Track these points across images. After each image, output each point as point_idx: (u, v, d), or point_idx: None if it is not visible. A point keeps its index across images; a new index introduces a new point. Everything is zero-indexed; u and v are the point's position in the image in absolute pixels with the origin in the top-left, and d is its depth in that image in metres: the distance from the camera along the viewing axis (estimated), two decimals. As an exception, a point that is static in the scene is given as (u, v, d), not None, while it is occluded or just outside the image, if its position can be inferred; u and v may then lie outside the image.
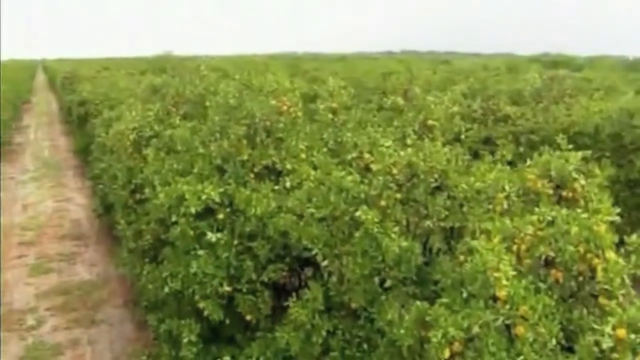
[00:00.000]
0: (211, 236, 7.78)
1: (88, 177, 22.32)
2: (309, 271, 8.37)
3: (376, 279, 7.03)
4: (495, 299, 4.88)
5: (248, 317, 7.97)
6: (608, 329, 4.66)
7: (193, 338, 7.87)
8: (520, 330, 4.81)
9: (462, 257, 6.39)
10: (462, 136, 10.02)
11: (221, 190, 8.29)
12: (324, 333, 7.00)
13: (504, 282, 4.83)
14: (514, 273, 4.92)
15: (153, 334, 10.88)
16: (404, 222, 7.53)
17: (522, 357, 4.44)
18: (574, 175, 6.97)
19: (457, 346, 4.87)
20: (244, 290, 7.87)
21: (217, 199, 8.14)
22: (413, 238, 7.22)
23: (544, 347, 4.65)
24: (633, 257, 5.45)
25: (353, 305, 7.37)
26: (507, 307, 4.74)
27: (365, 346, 6.96)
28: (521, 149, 13.65)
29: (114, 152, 13.96)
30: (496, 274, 4.86)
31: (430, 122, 9.90)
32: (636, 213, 13.18)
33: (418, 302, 5.93)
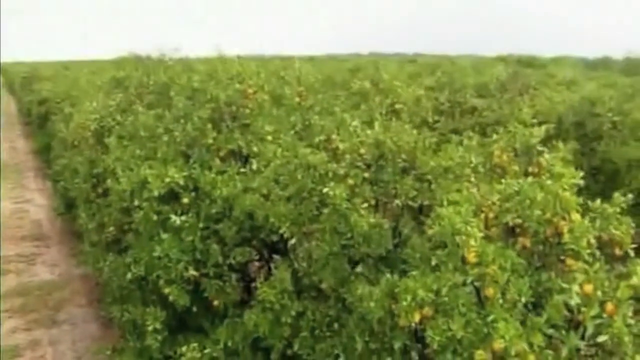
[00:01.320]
0: (175, 219, 7.54)
1: (49, 177, 21.61)
2: (277, 254, 8.21)
3: (345, 257, 6.94)
4: (464, 261, 4.82)
5: (215, 303, 7.74)
6: (576, 288, 4.67)
7: (158, 326, 7.59)
8: (489, 291, 4.76)
9: (430, 229, 6.37)
10: (429, 119, 10.04)
11: (185, 173, 8.06)
12: (293, 313, 6.84)
13: (472, 243, 4.78)
14: (482, 235, 4.87)
15: (119, 330, 10.52)
16: (373, 202, 7.45)
17: (492, 317, 4.37)
18: (539, 148, 7.03)
19: (427, 310, 4.78)
20: (211, 274, 7.63)
21: (182, 182, 7.90)
22: (382, 217, 7.16)
23: (514, 307, 4.60)
24: (598, 221, 5.50)
25: (323, 286, 7.24)
26: (476, 269, 4.68)
27: (335, 326, 6.82)
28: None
29: (75, 147, 13.50)
30: (464, 237, 4.80)
31: (397, 105, 9.88)
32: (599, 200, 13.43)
33: (388, 275, 5.85)
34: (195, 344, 7.17)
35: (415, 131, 7.98)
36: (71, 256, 15.92)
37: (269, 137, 8.37)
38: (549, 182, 5.57)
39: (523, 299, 4.55)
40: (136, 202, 7.74)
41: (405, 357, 5.64)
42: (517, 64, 31.75)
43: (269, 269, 8.18)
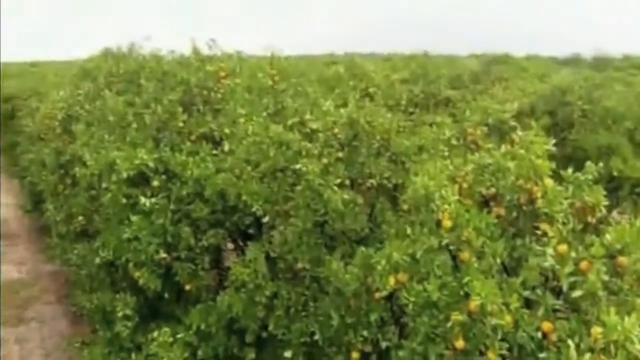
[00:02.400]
0: (145, 201, 7.32)
1: (16, 175, 20.97)
2: (250, 240, 8.04)
3: (319, 235, 6.83)
4: (439, 225, 4.76)
5: (187, 287, 7.53)
6: (550, 250, 4.64)
7: (128, 312, 7.35)
8: (465, 255, 4.69)
9: (405, 205, 6.30)
10: (403, 102, 10.02)
11: (156, 156, 7.85)
12: (267, 293, 6.69)
13: (447, 207, 4.71)
14: (457, 198, 4.82)
15: (89, 325, 10.22)
16: (348, 182, 7.36)
17: (467, 279, 4.30)
18: (512, 123, 7.05)
19: (401, 275, 4.70)
20: (182, 257, 7.43)
21: (152, 165, 7.69)
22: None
23: (490, 270, 4.55)
24: (571, 188, 5.50)
25: (297, 266, 7.12)
26: (451, 233, 4.61)
27: (311, 305, 6.70)
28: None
29: (42, 139, 13.11)
30: (438, 201, 4.73)
31: (371, 89, 9.83)
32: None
33: (363, 248, 5.76)
34: (167, 329, 6.96)
35: (389, 115, 7.95)
36: (40, 253, 15.45)
37: (242, 120, 8.21)
38: (521, 151, 5.56)
39: (498, 261, 4.50)
40: (104, 185, 7.48)
41: (382, 329, 5.55)
42: (490, 62, 32.14)
43: (243, 252, 8.01)
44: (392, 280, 4.58)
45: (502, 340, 4.16)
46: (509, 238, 5.14)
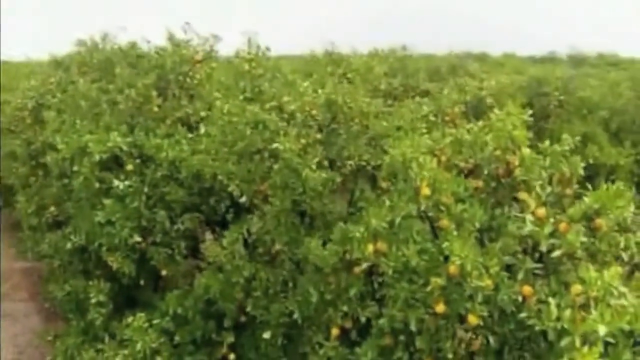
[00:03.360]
0: (118, 184, 7.12)
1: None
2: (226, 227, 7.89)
3: (297, 214, 6.73)
4: (417, 192, 4.69)
5: (163, 272, 7.35)
6: (529, 216, 4.61)
7: (102, 298, 7.13)
8: (444, 223, 4.64)
9: (384, 183, 6.25)
10: (382, 86, 9.98)
11: (129, 139, 7.66)
12: (245, 274, 6.56)
13: (425, 174, 4.65)
14: (434, 165, 4.76)
15: (62, 321, 9.92)
16: (326, 163, 7.27)
17: (446, 244, 4.24)
18: (489, 100, 7.06)
19: (380, 244, 4.62)
20: (158, 241, 7.25)
21: (125, 148, 7.49)
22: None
23: (469, 236, 4.49)
24: (548, 159, 5.49)
25: (275, 248, 7.01)
26: (430, 199, 4.55)
27: (289, 285, 6.58)
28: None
29: (12, 131, 12.75)
30: (416, 169, 4.67)
31: (350, 74, 9.75)
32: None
33: (341, 223, 5.68)
34: (142, 315, 6.76)
35: (368, 99, 7.90)
36: (12, 250, 14.97)
37: (218, 103, 8.07)
38: (498, 123, 5.54)
39: (477, 225, 4.44)
40: (75, 168, 7.26)
41: (362, 304, 5.45)
42: (468, 59, 32.45)
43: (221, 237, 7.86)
44: (370, 248, 4.49)
45: (483, 303, 4.11)
46: (488, 208, 5.11)
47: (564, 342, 3.17)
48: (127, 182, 7.15)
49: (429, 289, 4.12)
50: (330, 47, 11.66)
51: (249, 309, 6.48)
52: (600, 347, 3.05)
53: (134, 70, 8.89)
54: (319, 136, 7.32)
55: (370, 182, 8.03)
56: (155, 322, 6.80)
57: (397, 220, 4.48)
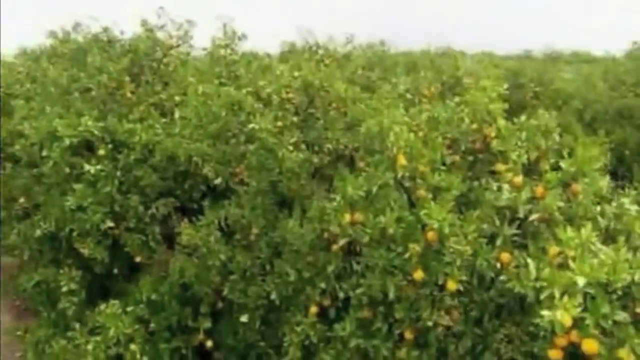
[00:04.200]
0: (89, 168, 6.91)
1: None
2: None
3: (274, 195, 6.63)
4: (394, 162, 4.63)
5: (138, 259, 7.17)
6: (506, 186, 4.59)
7: (73, 286, 6.89)
8: (421, 193, 4.59)
9: (361, 163, 6.17)
10: (359, 72, 9.94)
11: (101, 124, 7.46)
12: (222, 257, 6.42)
13: (402, 143, 4.60)
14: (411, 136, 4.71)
15: (35, 318, 9.61)
16: (304, 146, 7.19)
17: (424, 212, 4.17)
18: (465, 80, 7.05)
19: (357, 215, 4.54)
20: (132, 227, 7.06)
21: (97, 133, 7.29)
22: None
23: (446, 204, 4.44)
24: (524, 133, 5.49)
25: (253, 232, 6.88)
26: (406, 168, 4.49)
27: (267, 267, 6.46)
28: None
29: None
30: (393, 138, 4.61)
31: (327, 61, 9.71)
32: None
33: (316, 201, 5.59)
34: (115, 302, 6.56)
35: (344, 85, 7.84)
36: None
37: (192, 86, 7.92)
38: (474, 97, 5.53)
39: (455, 193, 4.39)
40: (45, 153, 7.04)
41: (340, 281, 5.37)
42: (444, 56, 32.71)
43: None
44: (347, 218, 4.41)
45: (461, 269, 4.05)
46: (466, 180, 5.08)
47: (544, 295, 3.13)
48: (98, 167, 6.94)
49: (406, 256, 4.05)
50: (308, 36, 11.57)
51: (225, 292, 6.33)
52: (579, 299, 3.02)
53: (106, 55, 8.68)
54: (295, 119, 7.23)
55: (349, 166, 7.97)
56: (129, 309, 6.61)
57: (374, 189, 4.41)
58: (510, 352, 3.96)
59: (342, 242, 4.90)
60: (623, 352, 3.01)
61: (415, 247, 4.03)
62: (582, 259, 3.15)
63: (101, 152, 7.32)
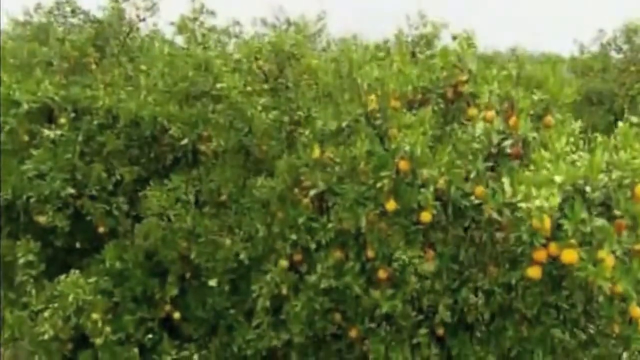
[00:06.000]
0: (49, 133, 6.59)
1: None
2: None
3: (243, 156, 6.43)
4: (365, 98, 4.49)
5: (101, 229, 6.83)
6: (480, 124, 4.49)
7: (32, 258, 6.50)
8: (393, 132, 4.44)
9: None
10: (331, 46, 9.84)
11: (63, 92, 7.14)
12: (189, 221, 6.16)
13: (372, 79, 4.46)
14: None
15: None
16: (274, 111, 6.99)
17: (395, 145, 4.03)
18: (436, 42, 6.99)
19: (329, 152, 4.38)
20: (95, 195, 6.74)
21: (58, 99, 6.97)
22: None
23: (419, 135, 4.29)
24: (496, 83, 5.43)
25: (222, 198, 6.66)
26: (377, 103, 4.35)
27: (236, 230, 6.22)
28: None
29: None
30: (362, 73, 4.48)
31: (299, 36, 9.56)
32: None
33: (285, 155, 5.42)
34: (77, 271, 6.21)
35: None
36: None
37: (157, 48, 7.66)
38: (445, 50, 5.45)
39: (427, 127, 4.26)
40: (1, 119, 6.68)
41: (311, 233, 5.17)
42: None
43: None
44: (317, 152, 4.24)
45: (436, 200, 3.91)
46: (439, 124, 4.97)
47: (520, 192, 2.97)
48: (58, 132, 6.62)
49: (378, 185, 3.89)
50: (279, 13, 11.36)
51: (193, 256, 6.07)
52: (557, 198, 2.88)
53: (68, 24, 8.39)
54: (265, 87, 7.05)
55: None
56: (91, 280, 6.26)
57: (344, 124, 4.25)
58: (488, 284, 3.82)
59: (313, 192, 4.73)
60: (603, 253, 2.89)
61: (387, 175, 3.86)
62: (558, 164, 3.03)
63: (62, 120, 7.00)
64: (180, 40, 8.73)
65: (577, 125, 4.58)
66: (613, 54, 13.60)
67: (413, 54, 6.91)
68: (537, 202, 2.81)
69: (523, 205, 2.89)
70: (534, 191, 2.89)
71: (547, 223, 2.91)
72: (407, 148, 3.74)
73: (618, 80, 12.94)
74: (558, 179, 2.93)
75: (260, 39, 7.43)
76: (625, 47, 13.40)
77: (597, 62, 13.39)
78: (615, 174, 2.95)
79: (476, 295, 3.91)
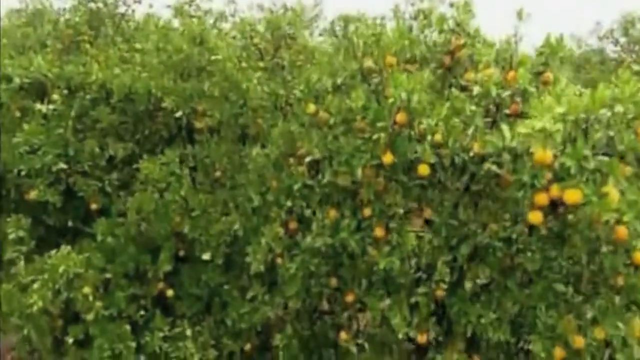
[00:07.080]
0: (41, 107, 6.49)
1: None
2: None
3: (238, 127, 6.34)
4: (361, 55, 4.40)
5: (93, 206, 6.70)
6: (477, 88, 4.40)
7: (22, 234, 6.37)
8: (389, 91, 4.35)
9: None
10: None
11: (56, 70, 7.04)
12: (182, 193, 6.05)
13: (366, 35, 4.37)
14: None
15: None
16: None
17: (392, 100, 3.93)
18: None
19: (324, 116, 4.28)
20: (87, 171, 6.62)
21: (51, 76, 6.87)
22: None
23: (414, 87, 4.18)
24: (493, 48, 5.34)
25: (216, 174, 6.57)
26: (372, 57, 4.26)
27: (230, 205, 6.12)
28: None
29: None
30: (356, 33, 4.39)
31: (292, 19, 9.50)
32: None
33: (281, 121, 5.33)
34: (67, 246, 6.08)
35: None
36: None
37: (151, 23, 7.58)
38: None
39: (425, 83, 4.17)
40: (-7, 94, 6.58)
41: (306, 199, 5.07)
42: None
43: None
44: (312, 108, 4.14)
45: (434, 154, 3.81)
46: (437, 88, 4.88)
47: (520, 135, 2.88)
48: (51, 107, 6.52)
49: (374, 137, 3.79)
50: None
51: (186, 230, 5.96)
52: (560, 124, 2.78)
53: (61, 8, 8.31)
54: (261, 64, 6.98)
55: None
56: (81, 256, 6.10)
57: (339, 80, 4.16)
58: (488, 239, 3.72)
59: (308, 158, 4.63)
60: (608, 187, 2.79)
61: (384, 126, 3.76)
62: (559, 99, 2.94)
63: (55, 96, 6.89)
64: (176, 24, 8.74)
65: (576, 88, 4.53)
66: (610, 46, 13.58)
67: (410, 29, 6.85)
68: (540, 124, 2.72)
69: (523, 130, 2.80)
70: (536, 123, 2.79)
71: (549, 156, 2.81)
72: (404, 96, 3.64)
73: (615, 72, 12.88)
74: (560, 109, 2.83)
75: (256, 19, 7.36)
76: (622, 39, 13.38)
77: (594, 55, 13.37)
78: (618, 108, 2.86)
79: (476, 252, 3.81)
